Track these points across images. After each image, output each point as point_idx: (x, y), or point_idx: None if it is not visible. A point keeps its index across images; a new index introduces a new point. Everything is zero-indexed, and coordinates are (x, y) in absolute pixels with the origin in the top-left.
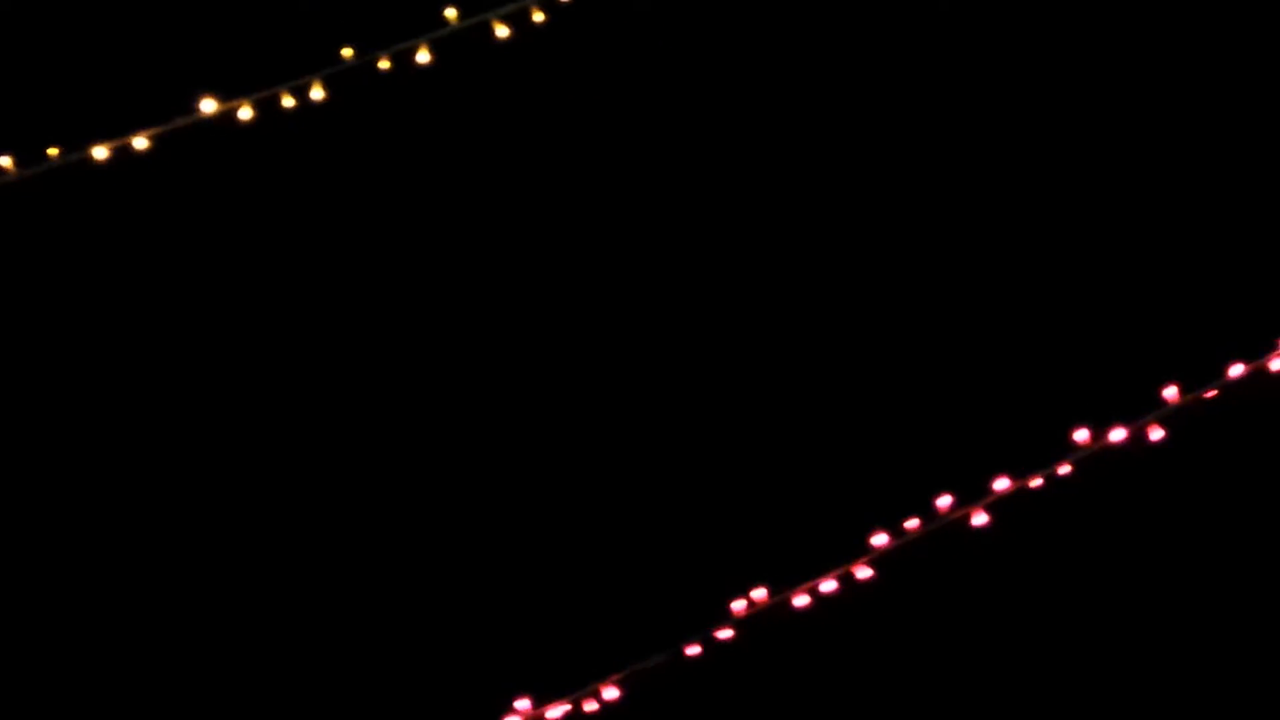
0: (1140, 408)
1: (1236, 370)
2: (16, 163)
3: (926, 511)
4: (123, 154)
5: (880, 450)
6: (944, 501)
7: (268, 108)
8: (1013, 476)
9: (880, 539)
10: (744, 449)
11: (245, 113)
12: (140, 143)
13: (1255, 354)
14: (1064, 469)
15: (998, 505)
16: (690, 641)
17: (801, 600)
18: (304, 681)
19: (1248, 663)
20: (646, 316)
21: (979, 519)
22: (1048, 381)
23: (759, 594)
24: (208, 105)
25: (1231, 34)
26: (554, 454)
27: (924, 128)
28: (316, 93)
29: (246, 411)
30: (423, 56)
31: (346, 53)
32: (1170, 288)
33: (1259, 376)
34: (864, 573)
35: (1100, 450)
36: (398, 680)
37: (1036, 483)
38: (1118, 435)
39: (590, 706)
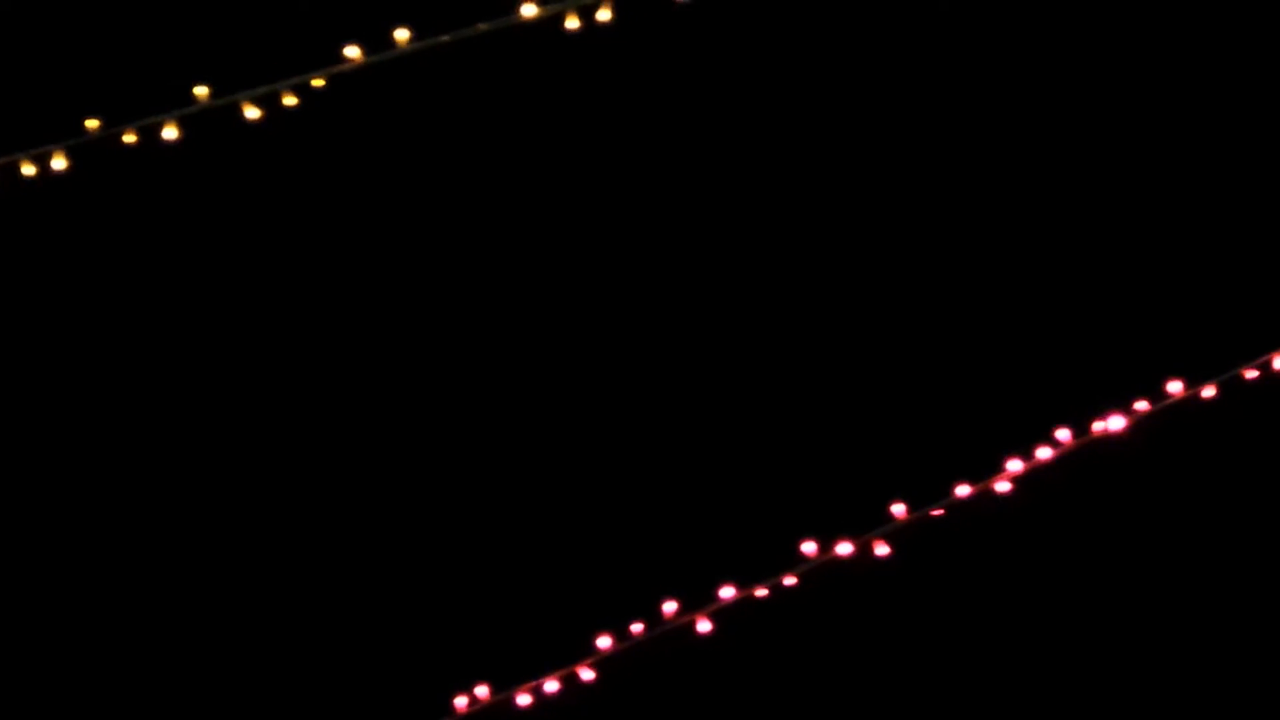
0: (867, 523)
1: (963, 490)
2: None
3: (652, 617)
4: None
5: (607, 553)
6: (670, 607)
7: (7, 175)
8: (738, 585)
9: (605, 641)
10: (470, 544)
11: None
12: None
13: (981, 475)
14: (789, 580)
15: (723, 613)
16: None
17: (524, 699)
18: None
19: None
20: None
21: (703, 625)
22: (777, 492)
23: (482, 691)
24: None
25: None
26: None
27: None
28: (58, 162)
29: None
30: (170, 132)
31: (92, 124)
32: (900, 404)
33: (984, 497)
34: (587, 674)
35: (826, 562)
36: None
37: (762, 592)
38: (844, 549)
39: None
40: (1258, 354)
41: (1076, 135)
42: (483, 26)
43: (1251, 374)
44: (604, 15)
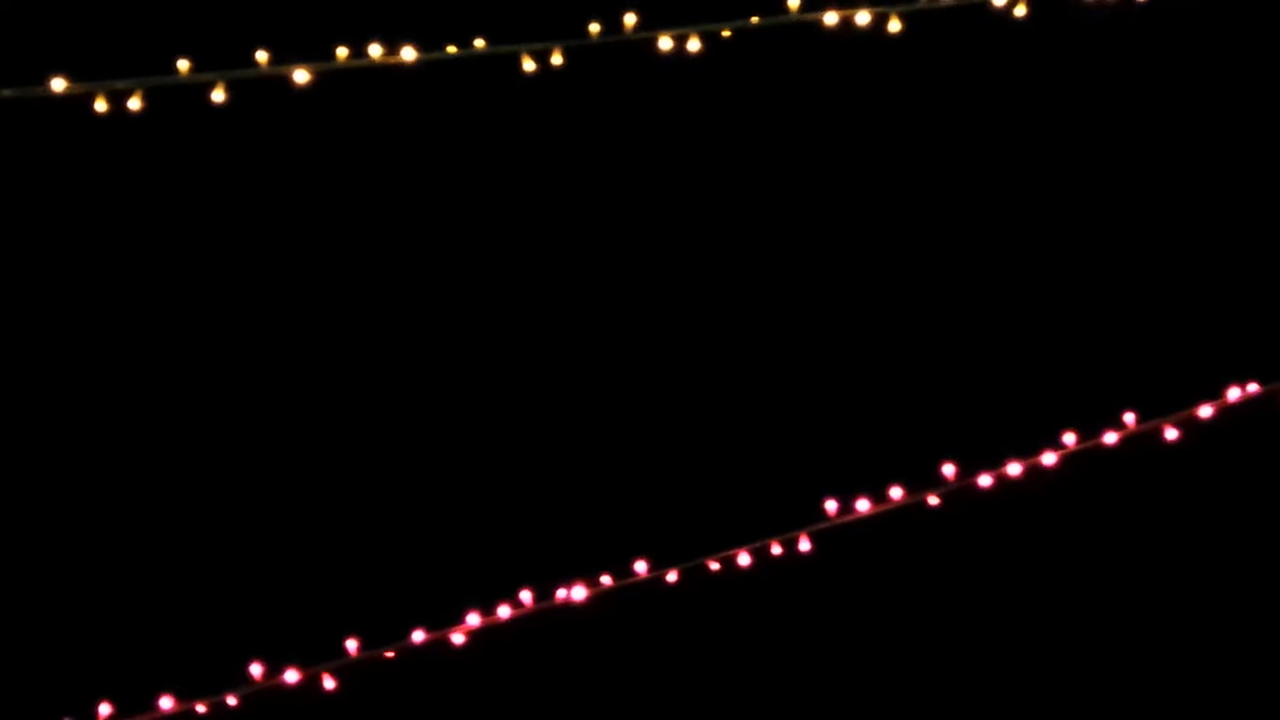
0: (320, 655)
1: (419, 636)
2: None
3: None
4: None
5: (47, 658)
6: (105, 710)
7: None
8: (179, 697)
9: None
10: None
11: None
12: None
13: (441, 624)
14: (232, 699)
15: None
16: None
17: None
18: None
19: None
20: None
21: None
22: (231, 612)
23: None
24: None
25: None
26: None
27: None
28: None
29: None
30: None
31: None
32: (360, 551)
33: (440, 645)
34: None
35: (272, 687)
36: None
37: (201, 708)
38: (291, 676)
39: None
40: (722, 547)
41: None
42: (7, 93)
43: (715, 565)
44: (135, 104)
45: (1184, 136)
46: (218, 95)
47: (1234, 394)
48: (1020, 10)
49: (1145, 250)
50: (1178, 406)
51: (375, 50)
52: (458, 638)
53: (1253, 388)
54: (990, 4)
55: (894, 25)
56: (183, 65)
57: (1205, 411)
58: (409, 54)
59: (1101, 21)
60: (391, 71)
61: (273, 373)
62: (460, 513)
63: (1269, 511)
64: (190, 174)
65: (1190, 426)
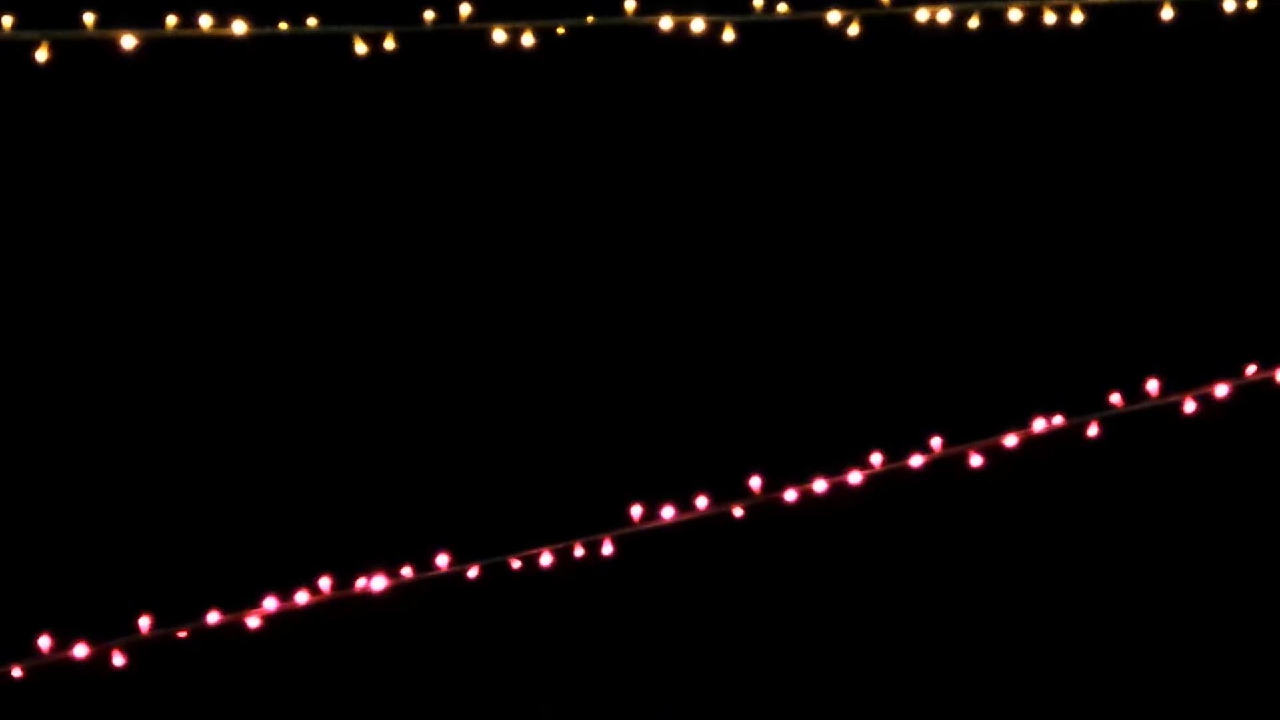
0: (111, 631)
1: (214, 618)
2: None
3: None
4: None
5: None
6: None
7: None
8: None
9: None
10: None
11: None
12: None
13: (237, 606)
14: (17, 671)
15: None
16: None
17: None
18: None
19: None
20: None
21: None
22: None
23: None
24: None
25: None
26: None
27: None
28: None
29: None
30: None
31: None
32: (168, 529)
33: (234, 627)
34: None
35: (60, 661)
36: None
37: None
38: (81, 650)
39: None
40: (526, 546)
41: None
42: None
43: (517, 564)
44: None
45: (998, 163)
46: (41, 55)
47: (1039, 425)
48: (854, 29)
49: (958, 280)
50: (984, 434)
51: (205, 21)
52: (253, 621)
53: (1058, 420)
54: (824, 21)
55: (729, 35)
56: (6, 21)
57: (1010, 440)
58: (239, 27)
59: (933, 44)
60: (221, 43)
61: (68, 344)
62: (263, 496)
63: (1067, 540)
64: (7, 133)
65: (995, 454)
